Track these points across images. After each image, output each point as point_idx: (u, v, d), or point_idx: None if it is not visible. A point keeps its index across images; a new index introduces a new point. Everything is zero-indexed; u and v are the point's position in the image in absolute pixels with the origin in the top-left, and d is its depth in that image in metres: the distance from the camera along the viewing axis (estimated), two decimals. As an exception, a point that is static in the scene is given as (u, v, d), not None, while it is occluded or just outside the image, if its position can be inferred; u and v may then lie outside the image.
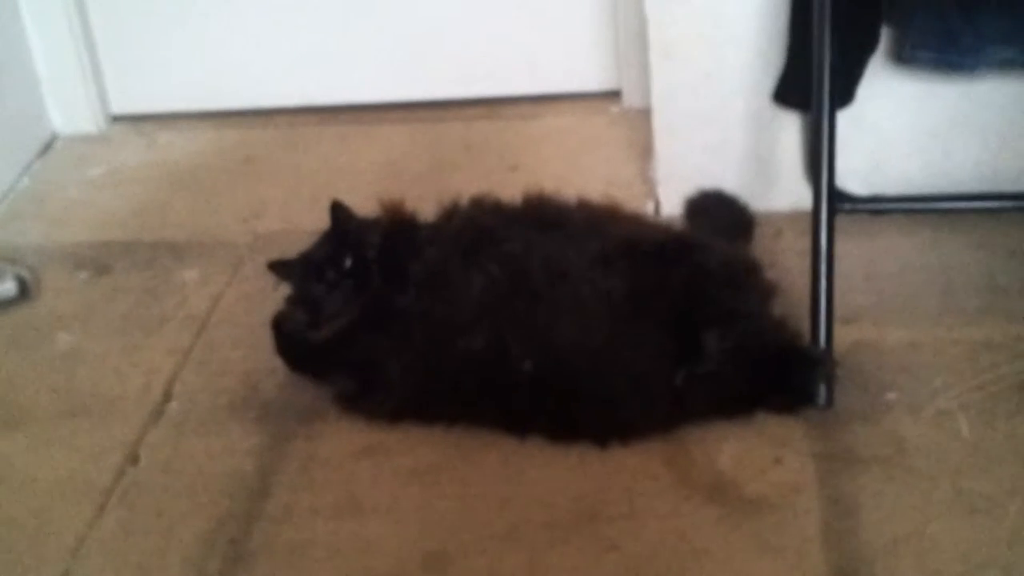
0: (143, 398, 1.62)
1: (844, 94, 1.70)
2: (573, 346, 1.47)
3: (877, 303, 1.64)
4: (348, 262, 1.58)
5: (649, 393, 1.46)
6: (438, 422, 1.52)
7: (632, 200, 1.86)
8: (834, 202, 1.54)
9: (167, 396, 1.63)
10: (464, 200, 1.64)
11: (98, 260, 1.92)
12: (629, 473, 1.43)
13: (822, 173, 1.55)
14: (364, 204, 1.67)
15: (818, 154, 1.55)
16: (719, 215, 1.78)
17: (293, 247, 1.68)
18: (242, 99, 2.30)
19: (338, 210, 1.63)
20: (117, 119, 2.33)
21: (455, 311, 1.50)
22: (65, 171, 2.20)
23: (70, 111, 2.30)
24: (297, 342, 1.60)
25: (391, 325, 1.52)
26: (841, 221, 1.58)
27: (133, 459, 1.53)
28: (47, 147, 2.27)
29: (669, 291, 1.48)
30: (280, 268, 1.64)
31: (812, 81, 1.58)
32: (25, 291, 1.84)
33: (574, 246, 1.54)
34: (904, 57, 1.68)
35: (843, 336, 1.54)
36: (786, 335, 1.51)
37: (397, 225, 1.62)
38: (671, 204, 1.87)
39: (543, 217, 1.61)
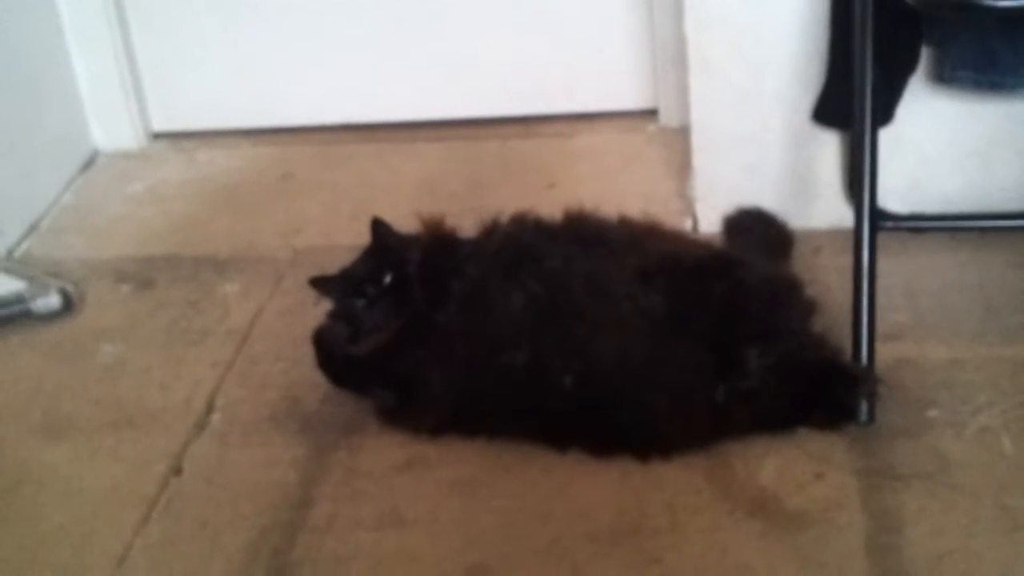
0: (186, 410, 1.64)
1: (884, 113, 1.70)
2: (614, 362, 1.47)
3: (918, 320, 1.65)
4: (388, 278, 1.60)
5: (690, 409, 1.47)
6: (479, 436, 1.52)
7: (669, 218, 1.87)
8: (876, 220, 1.54)
9: (210, 408, 1.64)
10: (504, 217, 1.66)
11: (140, 274, 1.94)
12: (671, 487, 1.43)
13: (864, 191, 1.55)
14: (402, 221, 1.69)
15: (860, 172, 1.56)
16: (758, 233, 1.79)
17: (333, 262, 1.70)
18: (281, 117, 2.32)
19: (379, 227, 1.65)
20: (158, 136, 2.36)
21: (496, 327, 1.51)
22: (107, 187, 2.23)
23: (112, 128, 2.33)
24: (338, 356, 1.61)
25: (432, 340, 1.53)
26: (881, 239, 1.58)
27: (177, 470, 1.54)
28: (89, 163, 2.30)
29: (709, 307, 1.49)
30: (321, 284, 1.65)
31: (852, 100, 1.58)
32: (69, 304, 1.86)
33: (614, 262, 1.55)
34: (944, 77, 1.69)
35: (884, 353, 1.54)
36: (827, 352, 1.52)
37: (437, 241, 1.64)
38: (709, 222, 1.87)
39: (583, 234, 1.62)
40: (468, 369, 1.51)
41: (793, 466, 1.44)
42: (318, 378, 1.64)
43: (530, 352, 1.48)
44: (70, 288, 1.88)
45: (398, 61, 2.26)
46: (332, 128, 2.30)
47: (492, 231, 1.64)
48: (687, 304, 1.49)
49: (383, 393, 1.58)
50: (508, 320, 1.51)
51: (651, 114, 2.23)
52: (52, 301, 1.85)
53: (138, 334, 1.81)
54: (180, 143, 2.33)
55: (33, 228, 2.10)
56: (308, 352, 1.66)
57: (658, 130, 2.20)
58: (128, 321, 1.84)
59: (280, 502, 1.47)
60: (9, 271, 1.93)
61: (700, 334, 1.47)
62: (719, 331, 1.47)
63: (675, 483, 1.44)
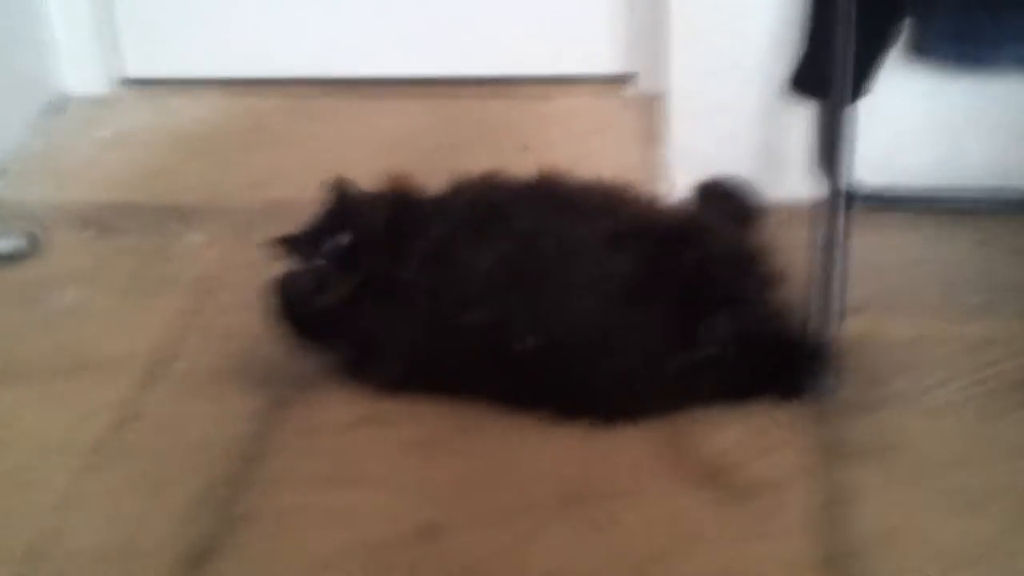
0: (144, 358, 1.62)
1: (862, 85, 1.69)
2: (580, 323, 1.47)
3: (881, 296, 1.64)
4: (347, 238, 1.58)
5: (652, 374, 1.46)
6: (439, 395, 1.51)
7: (643, 183, 1.85)
8: (847, 193, 1.53)
9: (169, 357, 1.63)
10: (474, 177, 1.64)
11: (106, 220, 1.92)
12: (629, 453, 1.43)
13: (837, 164, 1.54)
14: (374, 177, 1.67)
15: (834, 144, 1.55)
16: (728, 202, 1.78)
17: (302, 216, 1.68)
18: (255, 68, 2.29)
19: (340, 185, 1.63)
20: (128, 82, 2.33)
21: (462, 284, 1.50)
22: (75, 132, 2.20)
23: (82, 73, 2.29)
24: (299, 307, 1.60)
25: (396, 295, 1.52)
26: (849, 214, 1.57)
27: (130, 418, 1.53)
28: (59, 108, 2.27)
29: (677, 272, 1.49)
30: (284, 243, 1.64)
31: (829, 70, 1.57)
32: (33, 247, 1.84)
33: (585, 225, 1.54)
34: (924, 49, 1.67)
35: (847, 327, 1.54)
36: (786, 324, 1.51)
37: (401, 199, 1.62)
38: (681, 188, 1.86)
39: (554, 195, 1.61)
40: (431, 325, 1.50)
41: (752, 436, 1.44)
42: (281, 331, 1.63)
43: (495, 311, 1.48)
44: (34, 230, 1.86)
45: (377, 17, 2.24)
46: (308, 81, 2.28)
47: (460, 189, 1.63)
48: (655, 268, 1.49)
49: (343, 346, 1.56)
50: (474, 278, 1.50)
51: (627, 79, 2.21)
52: (17, 243, 1.84)
53: (101, 280, 1.79)
54: (151, 90, 2.30)
55: (-1, 171, 2.08)
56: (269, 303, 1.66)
57: (634, 96, 2.19)
58: (91, 267, 1.82)
59: (233, 455, 1.46)
60: (-28, 212, 1.92)
61: (666, 299, 1.47)
62: (685, 296, 1.47)
63: (633, 449, 1.44)
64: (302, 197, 1.86)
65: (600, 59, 2.22)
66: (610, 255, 1.50)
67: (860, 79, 1.68)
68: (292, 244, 1.62)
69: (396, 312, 1.52)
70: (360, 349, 1.55)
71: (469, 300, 1.49)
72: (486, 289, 1.49)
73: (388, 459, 1.45)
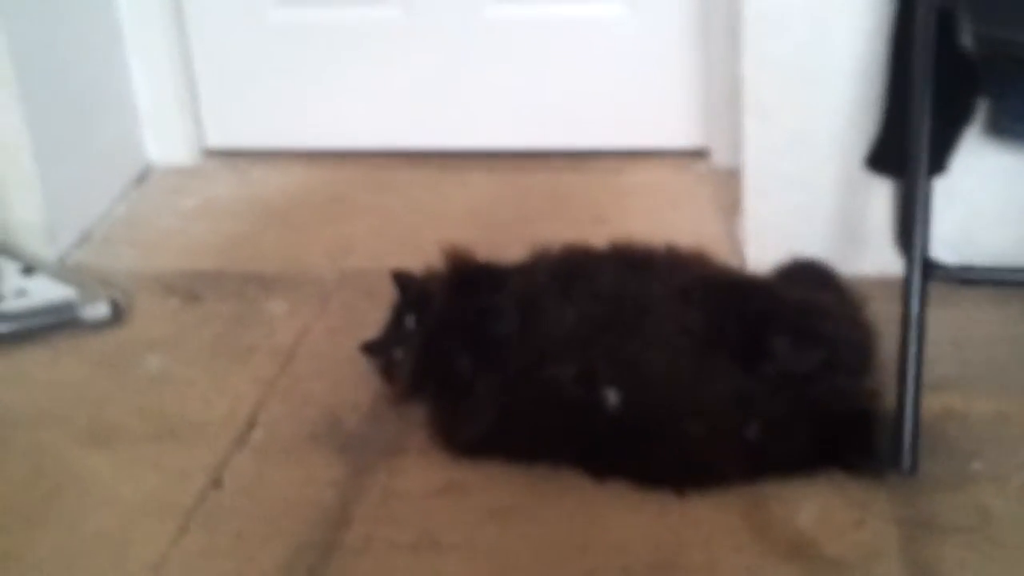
0: (228, 424, 1.65)
1: (938, 163, 1.70)
2: (657, 376, 1.50)
3: (964, 372, 1.64)
4: (413, 319, 1.64)
5: (725, 438, 1.47)
6: (519, 457, 1.53)
7: (718, 258, 1.86)
8: (927, 269, 1.54)
9: (251, 423, 1.65)
10: (554, 245, 1.67)
11: (189, 288, 1.96)
12: (708, 525, 1.43)
13: (916, 240, 1.54)
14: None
15: (912, 221, 1.55)
16: (809, 281, 1.78)
17: (379, 284, 1.72)
18: (334, 140, 2.34)
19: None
20: (211, 153, 2.38)
21: (547, 339, 1.54)
22: (159, 201, 2.25)
23: (166, 142, 2.35)
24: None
25: (481, 351, 1.56)
26: (930, 289, 1.57)
27: (216, 483, 1.55)
28: (143, 177, 2.32)
29: (744, 317, 1.52)
30: (368, 350, 1.69)
31: (906, 147, 1.58)
32: (117, 314, 1.88)
33: (659, 283, 1.58)
34: (1000, 129, 1.69)
35: (930, 403, 1.53)
36: (861, 393, 1.52)
37: (460, 272, 1.66)
38: (757, 264, 1.87)
39: (631, 258, 1.64)
40: (519, 379, 1.53)
41: (832, 511, 1.43)
42: (360, 398, 1.66)
43: (579, 363, 1.50)
44: (119, 297, 1.90)
45: (452, 90, 2.28)
46: (384, 153, 2.32)
47: (542, 255, 1.67)
48: (723, 316, 1.52)
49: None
50: (559, 332, 1.53)
51: (702, 154, 2.23)
52: (101, 309, 1.87)
53: (184, 347, 1.82)
54: (233, 161, 2.36)
55: (85, 237, 2.13)
56: (351, 371, 1.69)
57: (709, 170, 2.20)
58: (174, 334, 1.85)
59: (317, 520, 1.48)
60: (60, 277, 1.95)
61: (735, 345, 1.49)
62: (752, 335, 1.50)
63: (712, 521, 1.43)
64: (379, 266, 1.90)
65: (675, 133, 2.24)
66: (682, 308, 1.53)
67: (937, 156, 1.69)
68: (373, 348, 1.68)
69: (484, 367, 1.55)
70: (450, 405, 1.57)
71: (554, 353, 1.52)
72: (570, 343, 1.52)
73: (468, 527, 1.46)
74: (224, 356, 1.79)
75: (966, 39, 1.34)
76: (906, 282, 1.53)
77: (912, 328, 1.51)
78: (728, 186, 2.04)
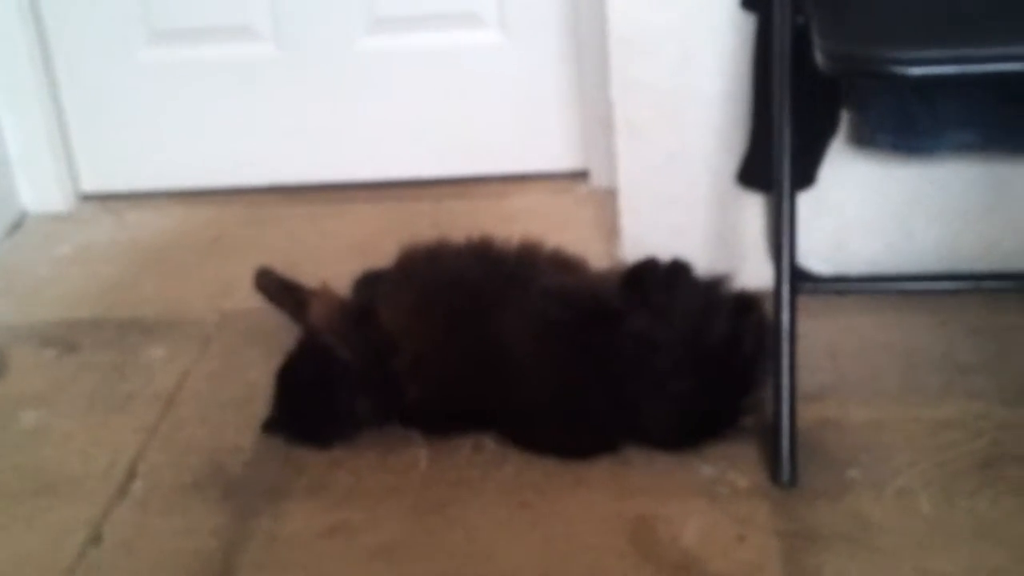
0: (107, 476, 1.61)
1: (805, 176, 1.73)
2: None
3: (840, 381, 1.66)
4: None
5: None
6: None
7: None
8: (796, 281, 1.56)
9: (131, 475, 1.62)
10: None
11: (66, 338, 1.92)
12: (595, 551, 1.43)
13: (783, 253, 1.57)
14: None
15: (779, 234, 1.58)
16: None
17: (261, 324, 1.70)
18: (211, 178, 2.32)
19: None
20: (87, 198, 2.34)
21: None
22: (34, 249, 2.21)
23: (40, 189, 2.31)
24: None
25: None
26: (804, 300, 1.60)
27: (96, 539, 1.51)
28: (17, 225, 2.27)
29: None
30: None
31: (772, 163, 1.60)
32: (-8, 369, 1.83)
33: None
34: (864, 141, 1.72)
35: (806, 414, 1.55)
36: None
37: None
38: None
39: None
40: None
41: (715, 528, 1.44)
42: (242, 443, 1.64)
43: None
44: (-6, 353, 1.86)
45: (329, 122, 2.27)
46: (262, 189, 2.30)
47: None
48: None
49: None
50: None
51: (582, 176, 2.25)
52: (-26, 366, 1.83)
53: (61, 399, 1.78)
54: (109, 204, 2.32)
55: (-42, 292, 2.08)
56: (233, 415, 1.67)
57: (589, 191, 2.22)
58: (51, 386, 1.81)
59: (201, 571, 1.45)
60: (-69, 335, 1.91)
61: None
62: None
63: (599, 547, 1.44)
64: (261, 307, 1.89)
65: (555, 156, 2.25)
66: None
67: (804, 169, 1.72)
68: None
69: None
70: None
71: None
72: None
73: (355, 568, 1.44)
74: (103, 406, 1.76)
75: (817, 56, 1.36)
76: (775, 294, 1.55)
77: (784, 339, 1.53)
78: (608, 207, 2.05)
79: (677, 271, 1.66)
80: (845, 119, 1.74)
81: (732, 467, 1.53)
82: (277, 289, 1.86)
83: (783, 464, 1.49)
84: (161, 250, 2.16)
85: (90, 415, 1.74)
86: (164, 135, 2.30)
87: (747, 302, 1.61)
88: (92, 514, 1.55)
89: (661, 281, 1.65)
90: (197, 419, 1.71)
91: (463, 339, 1.59)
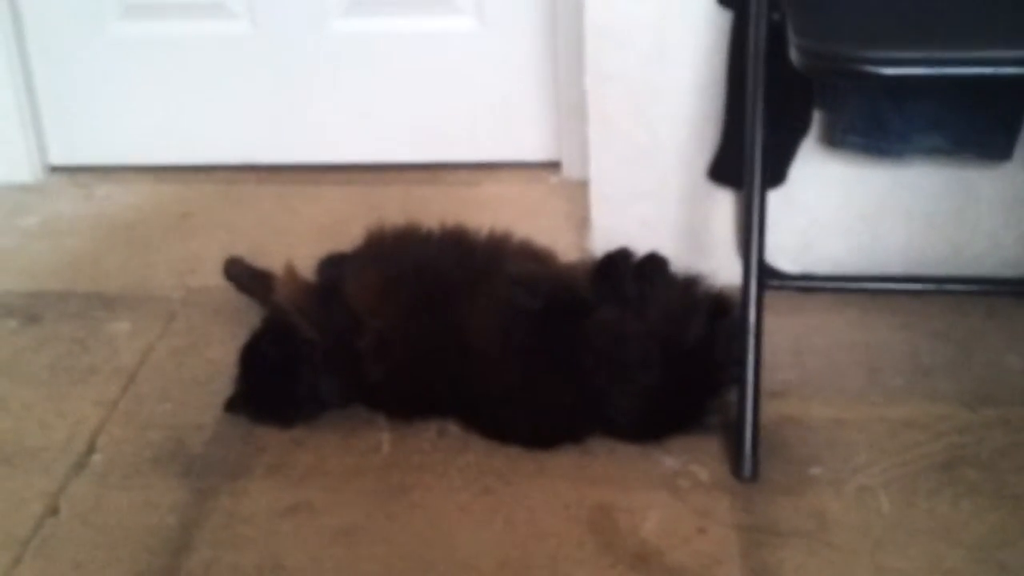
0: (66, 449, 1.60)
1: (776, 174, 1.74)
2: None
3: (803, 379, 1.67)
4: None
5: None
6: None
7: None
8: (763, 278, 1.57)
9: (91, 448, 1.61)
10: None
11: (29, 309, 1.90)
12: (555, 539, 1.43)
13: (752, 249, 1.57)
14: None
15: (748, 231, 1.58)
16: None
17: (226, 302, 1.68)
18: (182, 154, 2.30)
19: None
20: (55, 170, 2.32)
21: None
22: (0, 220, 2.19)
23: (7, 160, 2.28)
24: None
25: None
26: (771, 297, 1.60)
27: (53, 510, 1.50)
28: (-18, 195, 2.25)
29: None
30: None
31: (744, 160, 1.61)
32: (-48, 338, 1.82)
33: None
34: (835, 141, 1.73)
35: (769, 410, 1.56)
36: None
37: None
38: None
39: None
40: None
41: (676, 520, 1.45)
42: (204, 420, 1.63)
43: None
44: (-46, 321, 1.84)
45: (301, 103, 2.26)
46: (232, 168, 2.28)
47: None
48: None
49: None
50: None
51: (554, 166, 2.25)
52: (-66, 334, 1.81)
53: (21, 370, 1.77)
54: (78, 177, 2.30)
55: (-79, 260, 2.05)
56: (196, 392, 1.66)
57: (561, 182, 2.22)
58: (12, 356, 1.80)
59: (158, 547, 1.44)
60: None
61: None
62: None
63: (559, 535, 1.44)
64: (226, 284, 1.87)
65: (527, 146, 2.25)
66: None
67: (775, 167, 1.73)
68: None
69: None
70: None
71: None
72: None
73: (314, 549, 1.44)
74: (64, 379, 1.74)
75: (792, 53, 1.37)
76: (743, 290, 1.56)
77: (750, 336, 1.53)
78: (579, 198, 2.05)
79: (653, 265, 1.67)
80: (817, 119, 1.74)
81: (694, 460, 1.54)
82: (246, 277, 1.84)
83: (745, 459, 1.50)
84: (129, 225, 2.14)
85: (51, 387, 1.73)
86: (135, 110, 2.28)
87: (723, 304, 1.61)
88: (50, 486, 1.54)
89: (633, 273, 1.65)
90: (159, 395, 1.70)
91: (428, 322, 1.59)
